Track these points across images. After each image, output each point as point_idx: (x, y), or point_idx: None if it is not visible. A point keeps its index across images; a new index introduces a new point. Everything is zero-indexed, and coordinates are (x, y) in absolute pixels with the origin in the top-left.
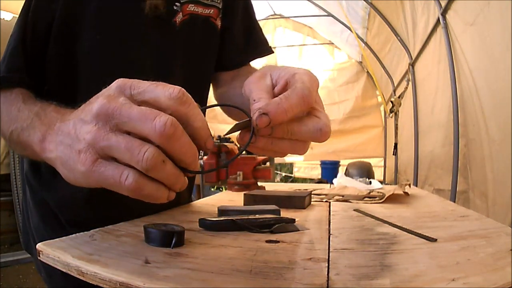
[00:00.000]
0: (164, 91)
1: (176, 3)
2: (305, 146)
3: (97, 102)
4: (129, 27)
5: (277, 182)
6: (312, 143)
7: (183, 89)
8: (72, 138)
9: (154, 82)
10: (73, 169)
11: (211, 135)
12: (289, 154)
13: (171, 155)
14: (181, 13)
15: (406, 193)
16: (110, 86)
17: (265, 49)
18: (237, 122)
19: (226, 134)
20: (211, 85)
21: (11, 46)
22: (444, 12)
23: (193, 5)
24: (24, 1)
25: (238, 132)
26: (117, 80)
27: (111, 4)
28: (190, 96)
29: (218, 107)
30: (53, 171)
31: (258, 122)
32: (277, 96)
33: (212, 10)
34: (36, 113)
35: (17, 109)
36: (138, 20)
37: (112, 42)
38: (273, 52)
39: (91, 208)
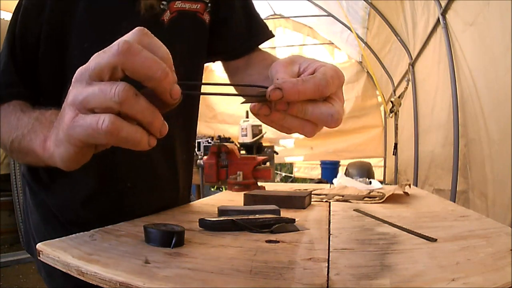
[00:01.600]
0: (110, 50)
1: (163, 1)
2: (314, 129)
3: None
4: (116, 31)
5: (277, 182)
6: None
7: (127, 38)
8: (59, 118)
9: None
10: (61, 142)
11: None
12: (295, 134)
13: (137, 76)
14: (168, 11)
15: (406, 193)
16: None
17: (268, 33)
18: (255, 93)
19: (243, 102)
20: (226, 74)
21: (2, 62)
22: (444, 12)
23: (180, 1)
24: (11, 18)
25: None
26: None
27: (97, 11)
28: (139, 40)
29: (216, 99)
30: (51, 173)
31: (271, 94)
32: None
33: (199, 5)
34: (36, 117)
35: (16, 118)
36: (125, 24)
37: (100, 48)
38: (274, 36)
39: (90, 210)
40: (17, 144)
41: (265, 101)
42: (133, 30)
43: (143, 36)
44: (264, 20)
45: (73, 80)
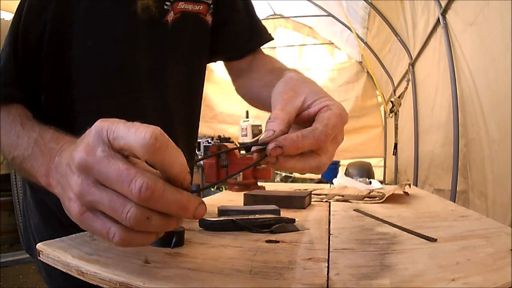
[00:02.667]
0: (136, 138)
1: (167, 2)
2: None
3: (78, 152)
4: (120, 31)
5: (277, 182)
6: None
7: (156, 131)
8: (64, 183)
9: (129, 123)
10: (68, 211)
11: (189, 173)
12: None
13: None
14: (172, 11)
15: (406, 193)
16: (90, 130)
17: (268, 35)
18: (255, 144)
19: (241, 150)
20: (230, 76)
21: (3, 60)
22: (444, 12)
23: (183, 2)
24: (13, 16)
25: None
26: (95, 124)
27: (100, 10)
28: (165, 138)
29: (216, 99)
30: None
31: (272, 152)
32: (301, 118)
33: (202, 7)
34: (35, 141)
35: (16, 134)
36: (130, 23)
37: (104, 47)
38: (273, 39)
39: None
40: (18, 164)
41: (264, 154)
42: (148, 134)
43: (156, 151)
44: (264, 20)
45: (89, 133)
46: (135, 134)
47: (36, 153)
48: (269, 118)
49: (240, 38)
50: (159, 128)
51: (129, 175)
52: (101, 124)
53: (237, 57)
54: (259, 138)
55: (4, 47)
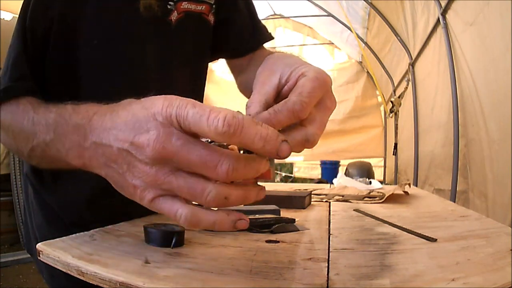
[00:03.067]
0: (210, 127)
1: (170, 2)
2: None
3: (149, 140)
4: (126, 29)
5: (277, 182)
6: None
7: (228, 116)
8: (123, 169)
9: (197, 108)
10: (129, 195)
11: (284, 140)
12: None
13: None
14: (175, 11)
15: (406, 193)
16: (151, 109)
17: (268, 35)
18: None
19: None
20: (232, 74)
21: (13, 55)
22: (444, 12)
23: (186, 2)
24: (20, 10)
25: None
26: (157, 104)
27: (106, 9)
28: (238, 120)
29: (216, 99)
30: (55, 174)
31: None
32: (284, 95)
33: (204, 7)
34: (55, 122)
35: (31, 122)
36: (135, 22)
37: (110, 46)
38: (273, 38)
39: (93, 211)
40: (40, 153)
41: None
42: (220, 123)
43: (231, 136)
44: (264, 20)
45: (153, 118)
46: (207, 122)
47: (59, 135)
48: (246, 104)
49: (241, 37)
50: (229, 110)
51: (213, 160)
52: (167, 110)
53: (238, 55)
54: None
55: (13, 43)
